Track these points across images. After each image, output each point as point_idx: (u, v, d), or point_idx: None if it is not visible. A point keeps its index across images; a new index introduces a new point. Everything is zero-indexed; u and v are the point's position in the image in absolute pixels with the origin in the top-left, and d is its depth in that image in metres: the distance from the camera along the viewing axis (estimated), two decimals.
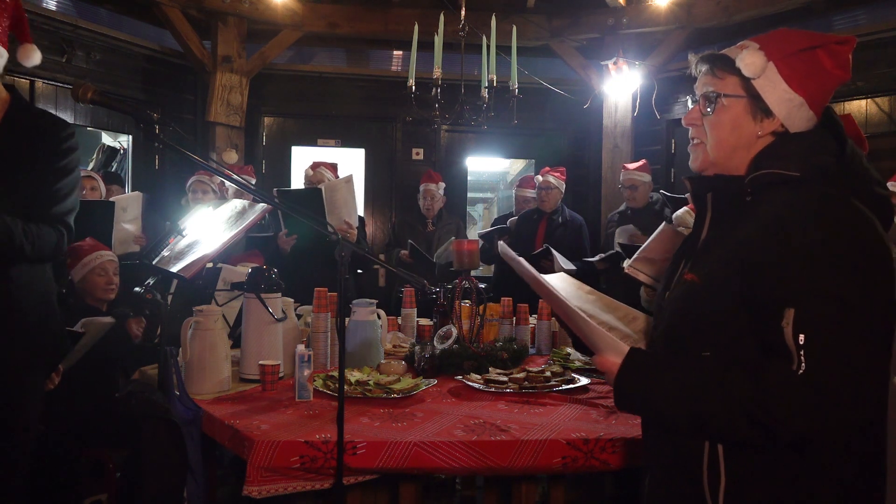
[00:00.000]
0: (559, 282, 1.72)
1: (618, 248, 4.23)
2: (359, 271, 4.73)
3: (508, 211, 5.72)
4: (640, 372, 1.31)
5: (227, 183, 4.34)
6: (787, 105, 1.29)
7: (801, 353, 1.14)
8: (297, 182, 6.20)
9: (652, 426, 1.45)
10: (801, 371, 1.14)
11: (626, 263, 2.40)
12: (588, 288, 1.75)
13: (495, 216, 6.78)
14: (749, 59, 1.30)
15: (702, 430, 1.25)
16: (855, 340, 1.14)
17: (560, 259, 4.38)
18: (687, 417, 1.25)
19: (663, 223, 2.56)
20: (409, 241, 4.75)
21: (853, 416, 1.16)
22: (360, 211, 4.46)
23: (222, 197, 4.44)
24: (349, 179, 4.01)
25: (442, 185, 5.12)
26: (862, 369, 1.14)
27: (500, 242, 1.89)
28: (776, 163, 1.29)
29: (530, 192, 5.19)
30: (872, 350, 1.16)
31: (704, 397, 1.22)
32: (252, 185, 3.99)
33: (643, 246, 2.54)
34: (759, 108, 1.31)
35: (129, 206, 4.02)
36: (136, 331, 3.07)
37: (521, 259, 1.56)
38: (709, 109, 1.35)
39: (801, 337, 1.14)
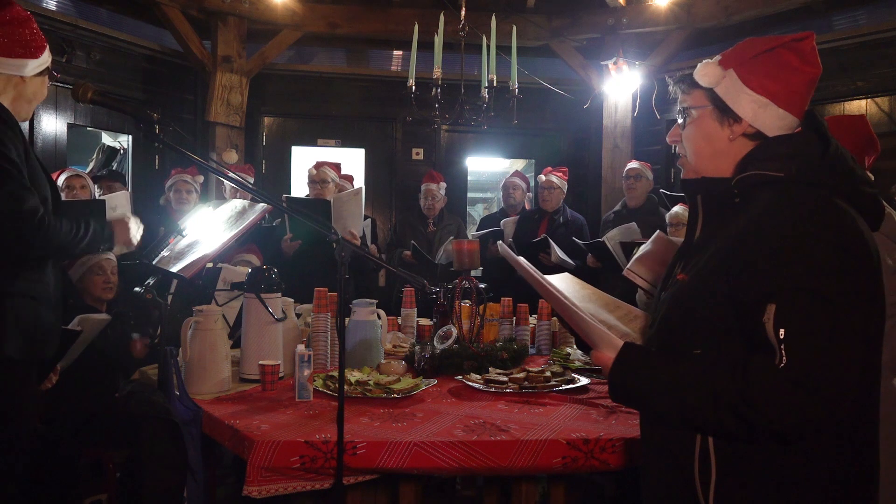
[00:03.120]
0: (561, 282, 1.73)
1: (607, 243, 4.23)
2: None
3: (497, 210, 5.70)
4: (631, 366, 1.36)
5: (229, 183, 4.35)
6: (752, 107, 1.35)
7: (782, 347, 1.17)
8: (298, 182, 6.21)
9: (646, 420, 1.48)
10: (781, 365, 1.16)
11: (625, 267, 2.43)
12: (591, 288, 1.76)
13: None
14: (703, 70, 1.39)
15: (688, 422, 1.29)
16: (835, 335, 1.16)
17: (558, 250, 4.38)
18: (675, 410, 1.29)
19: (657, 231, 2.60)
20: (413, 242, 4.75)
21: (835, 409, 1.17)
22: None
23: (220, 197, 4.44)
24: (358, 192, 4.02)
25: (443, 185, 5.12)
26: (843, 363, 1.16)
27: (500, 243, 1.90)
28: (761, 164, 1.33)
29: (518, 179, 5.21)
30: (855, 345, 1.17)
31: (691, 390, 1.25)
32: (250, 184, 4.00)
33: (640, 250, 2.57)
34: (726, 114, 1.37)
35: (117, 205, 4.02)
36: (139, 352, 3.04)
37: (521, 259, 1.58)
38: (682, 123, 1.44)
39: (782, 332, 1.17)
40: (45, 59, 2.15)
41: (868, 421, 1.27)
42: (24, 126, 4.83)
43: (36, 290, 2.06)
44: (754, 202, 1.30)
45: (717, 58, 1.40)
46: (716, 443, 1.28)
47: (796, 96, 1.35)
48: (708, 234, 1.40)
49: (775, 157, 1.32)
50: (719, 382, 1.22)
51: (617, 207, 4.92)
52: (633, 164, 4.79)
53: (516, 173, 5.39)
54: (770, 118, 1.35)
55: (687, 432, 1.31)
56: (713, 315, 1.28)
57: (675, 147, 1.48)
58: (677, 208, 3.92)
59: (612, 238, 4.29)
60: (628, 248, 3.85)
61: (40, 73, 2.15)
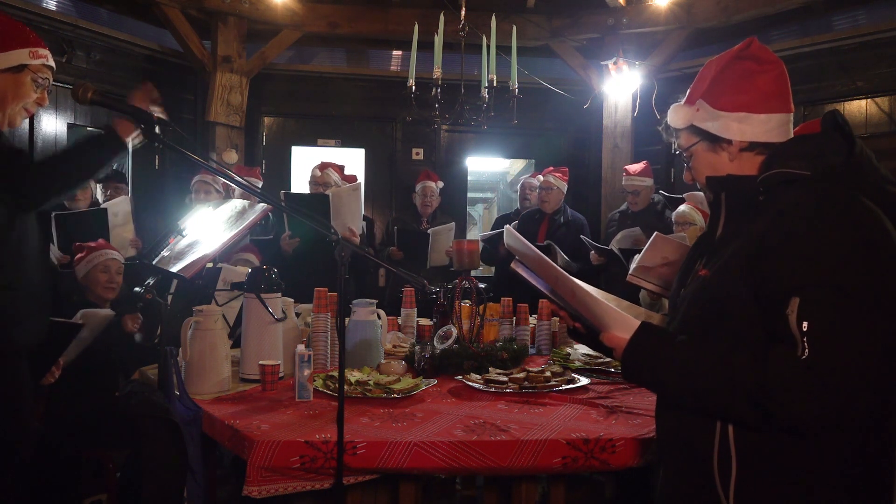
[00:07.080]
0: None
1: (614, 248, 4.23)
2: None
3: (511, 210, 5.71)
4: (647, 346, 1.36)
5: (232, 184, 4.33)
6: (734, 125, 1.39)
7: (805, 339, 1.17)
8: (298, 182, 6.21)
9: (661, 410, 1.48)
10: (804, 357, 1.16)
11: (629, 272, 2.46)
12: (585, 283, 1.76)
13: (496, 216, 6.75)
14: (674, 115, 1.48)
15: (703, 406, 1.30)
16: (858, 330, 1.16)
17: (562, 255, 4.38)
18: (690, 393, 1.29)
19: (655, 233, 2.60)
20: (395, 227, 4.73)
21: (852, 404, 1.17)
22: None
23: (228, 196, 4.43)
24: (356, 187, 4.01)
25: (440, 183, 5.11)
26: (866, 358, 1.16)
27: (507, 226, 1.91)
28: (787, 162, 1.34)
29: (536, 181, 5.18)
30: (877, 342, 1.17)
31: (708, 375, 1.26)
32: (258, 187, 4.00)
33: (640, 255, 2.58)
34: (715, 141, 1.42)
35: (118, 210, 4.04)
36: (132, 326, 3.08)
37: (528, 242, 1.60)
38: (687, 165, 1.50)
39: (805, 324, 1.17)
40: (15, 56, 1.98)
41: (888, 417, 1.27)
42: (24, 125, 4.84)
43: (11, 280, 2.02)
44: (779, 200, 1.31)
45: (685, 96, 1.47)
46: (736, 437, 1.28)
47: (770, 96, 1.38)
48: (730, 230, 1.41)
49: (801, 156, 1.33)
50: (738, 368, 1.22)
51: (622, 207, 4.89)
52: (630, 180, 4.67)
53: (535, 174, 5.37)
54: (755, 127, 1.38)
55: (705, 425, 1.31)
56: (735, 310, 1.29)
57: (696, 184, 1.52)
58: (683, 207, 3.91)
59: (616, 242, 4.29)
60: (627, 253, 3.85)
61: (9, 71, 2.00)
